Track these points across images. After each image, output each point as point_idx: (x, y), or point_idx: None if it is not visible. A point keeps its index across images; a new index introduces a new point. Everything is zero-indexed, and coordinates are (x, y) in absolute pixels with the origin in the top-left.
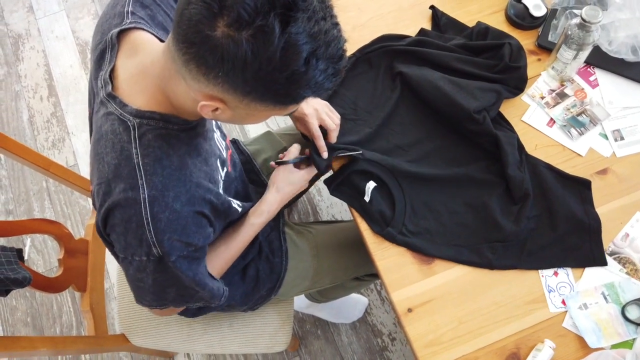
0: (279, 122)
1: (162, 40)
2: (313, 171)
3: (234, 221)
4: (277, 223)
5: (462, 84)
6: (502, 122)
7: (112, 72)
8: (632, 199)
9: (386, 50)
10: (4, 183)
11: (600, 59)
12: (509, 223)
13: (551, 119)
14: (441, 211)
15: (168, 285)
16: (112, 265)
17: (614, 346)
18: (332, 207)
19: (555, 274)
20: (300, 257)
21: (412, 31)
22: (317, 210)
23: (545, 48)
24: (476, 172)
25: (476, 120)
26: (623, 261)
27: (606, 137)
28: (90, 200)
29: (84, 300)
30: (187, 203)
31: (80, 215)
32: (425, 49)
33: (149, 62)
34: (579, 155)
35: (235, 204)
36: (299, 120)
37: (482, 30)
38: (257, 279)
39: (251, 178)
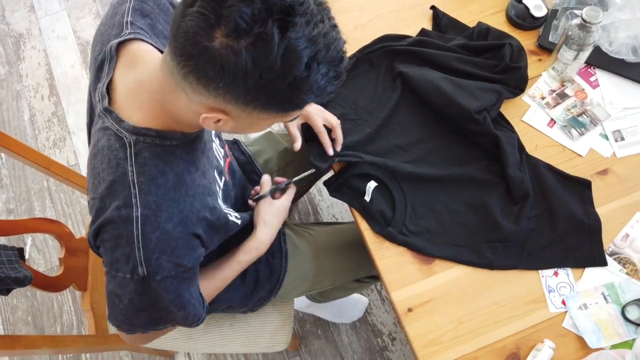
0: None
1: (161, 51)
2: (292, 195)
3: (233, 237)
4: None
5: (462, 84)
6: (503, 123)
7: (109, 84)
8: (632, 199)
9: (387, 50)
10: (5, 182)
11: (600, 60)
12: (509, 223)
13: (552, 119)
14: (441, 211)
15: (142, 309)
16: None
17: (613, 346)
18: (333, 207)
19: (556, 274)
20: (300, 258)
21: (413, 31)
22: (318, 210)
23: (546, 48)
24: (476, 172)
25: (477, 120)
26: (623, 261)
27: (607, 137)
28: None
29: (85, 299)
30: (179, 224)
31: (81, 215)
32: (426, 49)
33: (145, 77)
34: (580, 155)
35: (233, 216)
36: (301, 117)
37: (483, 30)
38: (256, 281)
39: (252, 179)
